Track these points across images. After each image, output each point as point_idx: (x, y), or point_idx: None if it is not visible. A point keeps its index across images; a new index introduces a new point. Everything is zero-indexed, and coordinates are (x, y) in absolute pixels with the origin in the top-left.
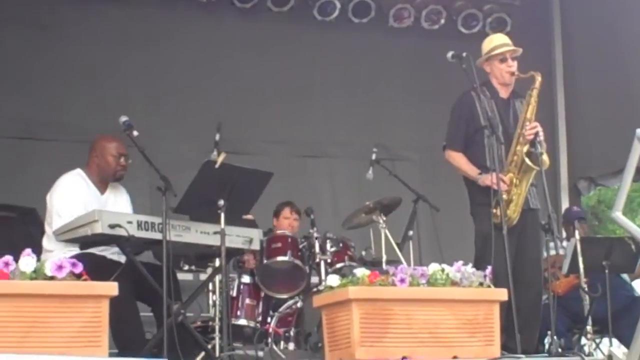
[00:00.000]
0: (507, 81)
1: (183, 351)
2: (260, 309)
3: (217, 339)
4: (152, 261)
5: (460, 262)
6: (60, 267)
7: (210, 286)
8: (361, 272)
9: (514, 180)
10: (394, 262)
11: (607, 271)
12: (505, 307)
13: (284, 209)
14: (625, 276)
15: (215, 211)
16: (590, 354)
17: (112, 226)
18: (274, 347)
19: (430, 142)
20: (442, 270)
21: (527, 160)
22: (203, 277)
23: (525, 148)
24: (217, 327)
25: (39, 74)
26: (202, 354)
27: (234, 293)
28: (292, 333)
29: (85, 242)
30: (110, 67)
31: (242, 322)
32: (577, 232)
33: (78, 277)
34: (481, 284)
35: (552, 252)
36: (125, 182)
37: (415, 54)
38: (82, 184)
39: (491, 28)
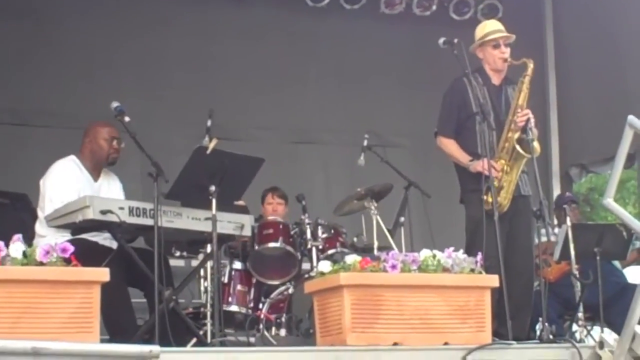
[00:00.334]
0: (499, 67)
1: (175, 337)
2: (251, 295)
3: (208, 325)
4: (144, 247)
5: (452, 249)
6: (47, 253)
7: (202, 272)
8: (352, 258)
9: (505, 167)
10: (385, 248)
11: (598, 258)
12: (496, 293)
13: (267, 195)
14: (616, 263)
15: (207, 197)
16: (581, 341)
17: (103, 212)
18: (266, 333)
19: (422, 128)
20: (434, 256)
21: (518, 147)
22: (194, 263)
23: (517, 135)
24: (208, 313)
25: (32, 61)
26: (194, 340)
27: (226, 279)
28: (283, 319)
29: (77, 227)
30: (103, 54)
31: (234, 308)
32: (568, 219)
33: (67, 262)
34: (472, 271)
35: (544, 239)
36: (117, 168)
37: (406, 40)
38: (76, 170)
39: (483, 14)
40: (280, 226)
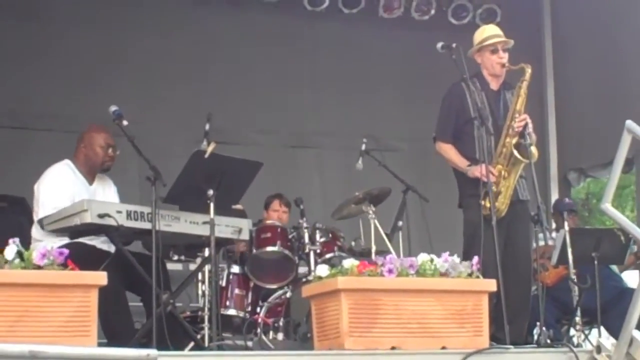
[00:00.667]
0: (497, 73)
1: (172, 341)
2: (249, 299)
3: (206, 329)
4: (142, 251)
5: (447, 253)
6: (43, 256)
7: (200, 276)
8: (349, 262)
9: (503, 173)
10: (383, 252)
11: (596, 262)
12: (494, 298)
13: (274, 202)
14: (614, 267)
15: (205, 201)
16: (579, 345)
17: (101, 216)
18: (263, 337)
19: (420, 132)
20: (431, 260)
21: (515, 152)
22: (192, 267)
23: (514, 140)
24: (206, 317)
25: (31, 64)
26: (191, 344)
27: (223, 283)
28: (281, 323)
29: (75, 231)
30: (102, 57)
31: (232, 312)
32: (566, 224)
33: (64, 266)
34: (470, 275)
35: (541, 243)
36: (115, 172)
37: (405, 44)
38: (70, 175)
39: (481, 19)
40: (278, 230)
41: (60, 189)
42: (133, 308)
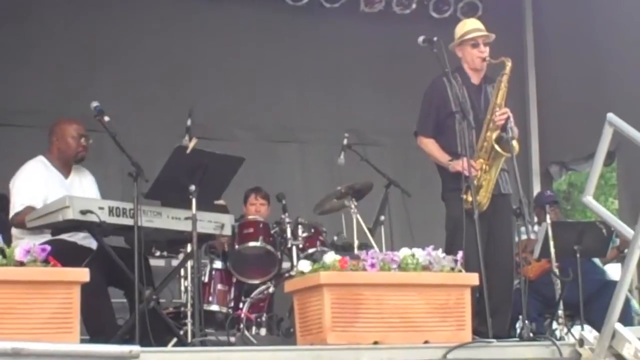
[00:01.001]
0: (478, 67)
1: (155, 337)
2: (232, 295)
3: (189, 324)
4: (124, 246)
5: (431, 247)
6: (27, 252)
7: (182, 272)
8: (330, 257)
9: (484, 166)
10: (365, 246)
11: (578, 255)
12: (476, 291)
13: (250, 195)
14: (596, 260)
15: (187, 197)
16: (561, 339)
17: (83, 212)
18: (246, 332)
19: (402, 127)
20: (413, 255)
21: (496, 146)
22: (175, 262)
23: (495, 134)
24: (189, 313)
25: (12, 61)
26: (174, 339)
27: (206, 279)
28: (264, 318)
29: (57, 228)
30: (82, 53)
31: (214, 307)
32: (548, 217)
33: (46, 262)
34: (452, 269)
35: (524, 237)
36: (96, 168)
37: (386, 38)
38: (43, 171)
39: (462, 13)
40: (261, 225)
41: (32, 186)
42: (115, 304)
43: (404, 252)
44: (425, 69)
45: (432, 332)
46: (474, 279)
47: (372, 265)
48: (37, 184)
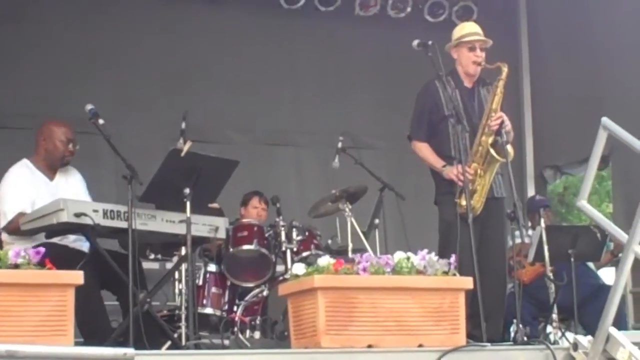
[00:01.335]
0: (471, 71)
1: (149, 340)
2: (226, 298)
3: (183, 327)
4: (117, 249)
5: (425, 251)
6: (17, 254)
7: (176, 275)
8: (324, 260)
9: (479, 171)
10: (360, 250)
11: (572, 259)
12: (470, 295)
13: (253, 198)
14: (590, 264)
15: (181, 200)
16: (555, 342)
17: (77, 215)
18: (240, 335)
19: (397, 130)
20: (407, 258)
21: (492, 151)
22: (169, 265)
23: (491, 139)
24: (183, 316)
25: (5, 62)
26: (168, 342)
27: (200, 282)
28: (258, 321)
29: (51, 230)
30: (77, 55)
31: (208, 310)
32: (542, 220)
33: (40, 265)
34: (446, 273)
35: (518, 241)
36: (91, 170)
37: (381, 42)
38: (28, 175)
39: (457, 16)
40: (255, 228)
41: (20, 192)
42: (109, 307)
43: (398, 255)
44: (420, 73)
45: (426, 336)
46: (468, 282)
47: (364, 269)
48: (23, 190)
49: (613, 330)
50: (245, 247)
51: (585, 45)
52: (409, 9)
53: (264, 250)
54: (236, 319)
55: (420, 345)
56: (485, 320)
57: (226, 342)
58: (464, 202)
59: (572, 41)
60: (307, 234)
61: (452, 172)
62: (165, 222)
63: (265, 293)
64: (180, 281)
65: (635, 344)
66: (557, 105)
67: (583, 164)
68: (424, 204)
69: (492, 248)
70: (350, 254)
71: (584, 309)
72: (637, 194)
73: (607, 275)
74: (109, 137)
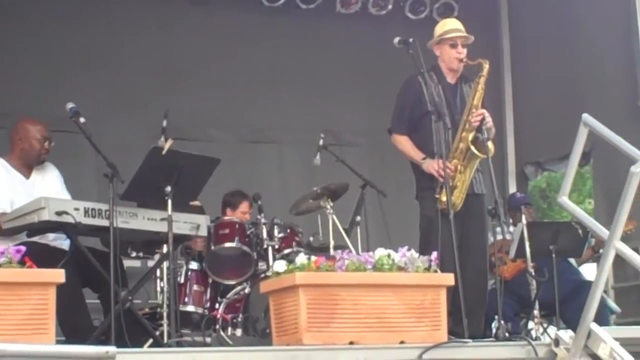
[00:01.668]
0: (454, 67)
1: (131, 338)
2: (208, 295)
3: (165, 325)
4: (99, 248)
5: (405, 248)
6: (1, 254)
7: (158, 272)
8: (301, 258)
9: (459, 167)
10: (341, 247)
11: (554, 256)
12: (451, 292)
13: (243, 202)
14: (572, 260)
15: (162, 197)
16: (537, 338)
17: (59, 213)
18: (222, 333)
19: (378, 127)
20: (389, 255)
21: (472, 147)
22: (150, 263)
23: (471, 135)
24: (164, 314)
25: None
26: (150, 340)
27: (182, 279)
28: (239, 319)
29: (32, 229)
30: (59, 54)
31: (190, 308)
32: (523, 217)
33: (21, 264)
34: (427, 269)
35: (499, 237)
36: (72, 169)
37: (362, 39)
38: (4, 174)
39: (438, 14)
40: (236, 226)
41: None
42: (91, 305)
43: (380, 252)
44: (401, 70)
45: (407, 333)
46: (449, 279)
47: (340, 267)
48: (1, 189)
49: (594, 326)
50: (227, 244)
51: (566, 42)
52: (390, 7)
53: (245, 248)
54: (218, 316)
55: (401, 342)
56: (467, 316)
57: (208, 339)
58: (444, 198)
59: (553, 38)
60: (288, 231)
61: (432, 165)
62: (146, 220)
63: (247, 291)
64: (161, 279)
65: (616, 339)
66: (538, 101)
67: (564, 160)
68: (405, 201)
69: (473, 244)
70: (332, 251)
71: (566, 304)
72: (618, 190)
73: (588, 271)
74: (90, 135)
